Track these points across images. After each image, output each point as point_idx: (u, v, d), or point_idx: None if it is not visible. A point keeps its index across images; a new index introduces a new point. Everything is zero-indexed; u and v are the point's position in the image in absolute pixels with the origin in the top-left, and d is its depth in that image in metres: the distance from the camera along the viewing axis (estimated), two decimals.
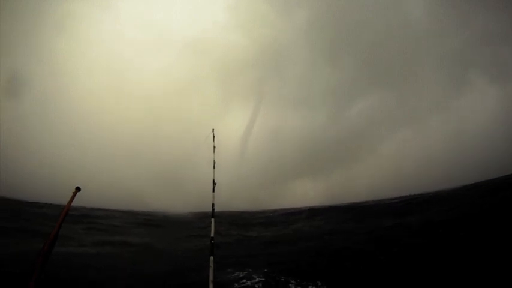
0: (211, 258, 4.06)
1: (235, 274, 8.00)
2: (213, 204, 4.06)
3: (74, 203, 3.52)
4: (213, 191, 4.04)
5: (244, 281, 7.47)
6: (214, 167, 4.19)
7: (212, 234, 4.02)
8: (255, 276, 7.68)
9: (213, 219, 4.02)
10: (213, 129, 4.47)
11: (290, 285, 7.07)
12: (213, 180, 4.08)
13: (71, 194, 3.69)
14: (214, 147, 4.36)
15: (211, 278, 4.08)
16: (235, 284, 7.31)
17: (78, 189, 3.79)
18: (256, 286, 7.14)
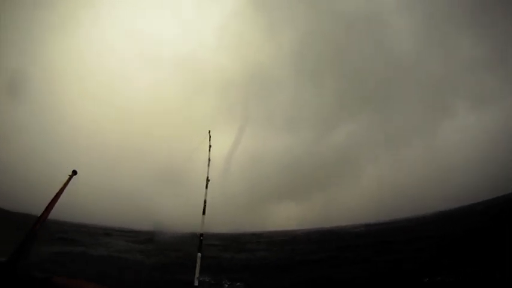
0: (199, 254, 4.09)
1: None
2: (205, 201, 4.16)
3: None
4: (206, 187, 4.15)
5: None
6: (208, 165, 4.32)
7: (202, 231, 4.06)
8: None
9: (203, 216, 4.09)
10: (209, 131, 4.67)
11: None
12: (207, 177, 4.20)
13: (67, 176, 3.70)
14: (210, 146, 4.52)
15: (197, 274, 4.09)
16: None
17: (74, 172, 3.80)
18: None
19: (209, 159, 4.41)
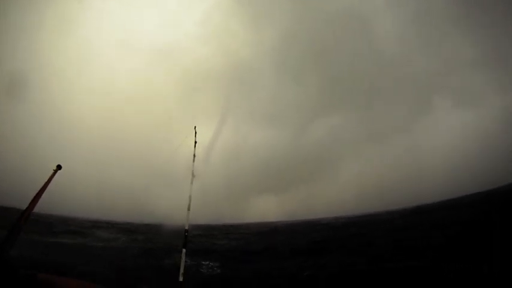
0: (184, 250, 4.09)
1: None
2: (190, 197, 4.16)
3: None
4: (191, 183, 4.16)
5: None
6: (194, 161, 4.31)
7: (186, 227, 4.06)
8: None
9: (188, 212, 4.09)
10: (195, 127, 4.64)
11: None
12: (192, 172, 4.20)
13: (52, 171, 3.60)
14: (195, 142, 4.49)
15: (181, 270, 4.10)
16: None
17: (59, 167, 3.71)
18: None
19: (194, 155, 4.39)
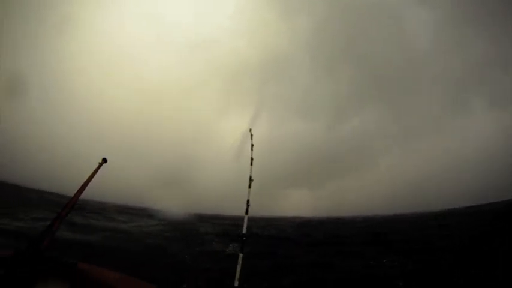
0: (241, 255, 4.02)
1: None
2: (247, 201, 4.09)
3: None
4: (249, 187, 4.10)
5: None
6: (251, 164, 4.25)
7: (244, 231, 3.99)
8: None
9: (246, 216, 4.01)
10: (250, 129, 4.59)
11: None
12: (250, 177, 4.14)
13: (97, 164, 3.67)
14: (252, 145, 4.44)
15: (237, 275, 4.03)
16: None
17: (104, 160, 3.79)
18: None
19: (252, 159, 4.32)
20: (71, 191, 3.45)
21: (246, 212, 4.08)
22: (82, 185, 3.45)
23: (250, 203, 4.08)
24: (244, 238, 3.93)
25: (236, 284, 4.06)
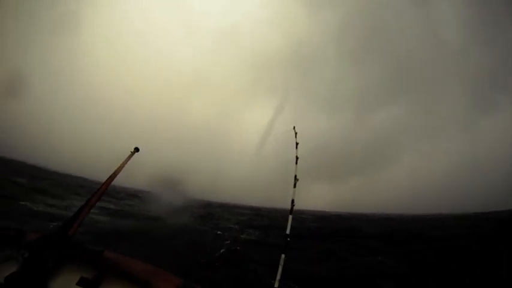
0: (283, 256, 3.91)
1: None
2: (292, 201, 3.96)
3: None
4: (294, 186, 3.98)
5: None
6: (296, 163, 4.13)
7: (288, 232, 3.88)
8: None
9: (290, 216, 3.90)
10: (294, 127, 4.47)
11: None
12: (295, 176, 4.02)
13: (129, 153, 3.69)
14: (296, 143, 4.32)
15: (278, 277, 3.91)
16: None
17: (136, 149, 3.81)
18: None
19: (297, 157, 4.19)
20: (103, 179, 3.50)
21: (291, 212, 3.95)
22: (113, 174, 3.47)
23: (295, 202, 3.96)
24: (288, 239, 3.81)
25: (276, 285, 3.95)
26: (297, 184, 4.03)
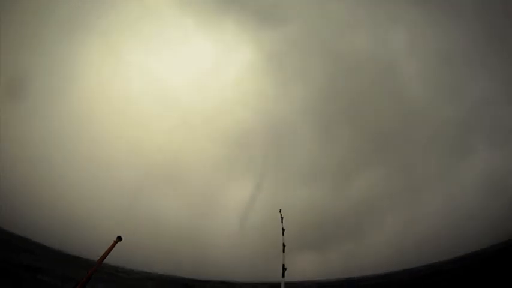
0: None
1: None
2: (283, 265, 4.47)
3: None
4: (283, 276, 4.16)
5: None
6: (283, 251, 4.21)
7: None
8: None
9: (283, 280, 4.42)
10: (280, 210, 4.61)
11: None
12: (283, 265, 4.16)
13: (112, 242, 3.70)
14: (283, 229, 4.33)
15: None
16: None
17: (119, 238, 3.72)
18: None
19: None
20: None
21: (283, 275, 4.40)
22: (96, 264, 3.42)
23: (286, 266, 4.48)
24: None
25: None
26: (285, 256, 4.52)
